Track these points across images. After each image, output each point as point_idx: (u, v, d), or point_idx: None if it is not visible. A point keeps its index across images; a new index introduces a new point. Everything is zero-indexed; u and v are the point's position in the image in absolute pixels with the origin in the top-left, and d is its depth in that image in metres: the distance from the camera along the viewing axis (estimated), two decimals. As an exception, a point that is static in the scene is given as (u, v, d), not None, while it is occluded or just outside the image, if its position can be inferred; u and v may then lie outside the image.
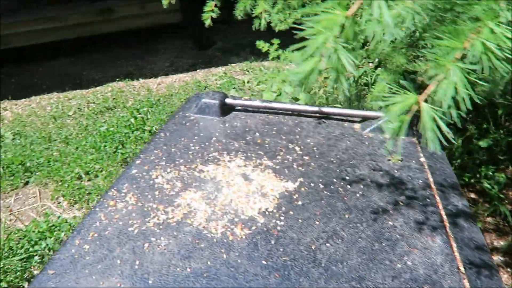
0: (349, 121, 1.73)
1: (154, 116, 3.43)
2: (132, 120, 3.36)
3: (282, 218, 1.15)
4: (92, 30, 4.79)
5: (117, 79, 4.37)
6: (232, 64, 4.64)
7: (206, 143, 1.55)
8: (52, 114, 3.68)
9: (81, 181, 2.76)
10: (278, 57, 3.65)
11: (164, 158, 1.45)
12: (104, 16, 4.76)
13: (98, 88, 4.22)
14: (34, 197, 2.65)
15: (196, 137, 1.59)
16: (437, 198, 1.23)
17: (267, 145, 1.53)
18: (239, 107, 1.85)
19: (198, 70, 4.59)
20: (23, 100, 4.02)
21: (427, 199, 1.22)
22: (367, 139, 1.56)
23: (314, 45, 0.66)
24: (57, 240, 2.15)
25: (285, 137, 1.58)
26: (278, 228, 1.11)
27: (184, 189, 1.29)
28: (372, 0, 0.64)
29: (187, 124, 1.71)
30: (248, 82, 4.14)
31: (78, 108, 3.77)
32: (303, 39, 0.68)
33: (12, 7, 4.75)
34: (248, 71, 4.44)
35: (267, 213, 1.17)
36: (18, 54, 4.93)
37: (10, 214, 2.50)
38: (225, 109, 1.82)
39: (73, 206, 2.52)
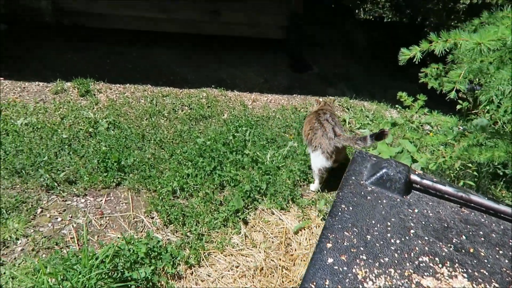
0: None
1: (254, 139, 3.17)
2: (231, 138, 3.11)
3: None
4: (196, 28, 4.65)
5: (212, 85, 4.17)
6: (330, 97, 4.34)
7: (406, 237, 1.24)
8: (146, 109, 3.51)
9: (176, 196, 2.52)
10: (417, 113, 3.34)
11: (361, 248, 1.15)
12: (211, 17, 4.60)
13: (192, 90, 4.04)
14: (126, 203, 2.43)
15: (388, 223, 1.28)
16: None
17: (486, 261, 1.19)
18: (421, 186, 1.53)
19: (294, 95, 4.32)
20: (118, 85, 3.89)
21: None
22: None
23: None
24: (155, 270, 1.90)
25: (502, 251, 1.24)
26: None
27: (412, 313, 0.97)
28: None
29: (368, 197, 1.40)
30: (349, 123, 3.82)
31: (173, 109, 3.58)
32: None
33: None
34: (348, 109, 4.12)
35: None
36: (112, 35, 4.86)
37: (100, 218, 2.28)
38: (408, 186, 1.51)
39: (166, 226, 2.28)
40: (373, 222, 1.28)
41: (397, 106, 4.47)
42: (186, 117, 3.46)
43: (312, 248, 2.21)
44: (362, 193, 1.43)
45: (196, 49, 5.06)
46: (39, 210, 2.25)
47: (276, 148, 3.12)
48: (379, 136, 2.28)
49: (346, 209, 1.32)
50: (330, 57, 5.76)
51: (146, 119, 3.38)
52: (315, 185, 2.71)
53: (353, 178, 1.52)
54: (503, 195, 3.11)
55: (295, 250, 2.22)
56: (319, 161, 2.54)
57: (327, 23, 6.76)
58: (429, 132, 4.06)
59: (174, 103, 3.69)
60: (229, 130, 3.26)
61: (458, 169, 2.67)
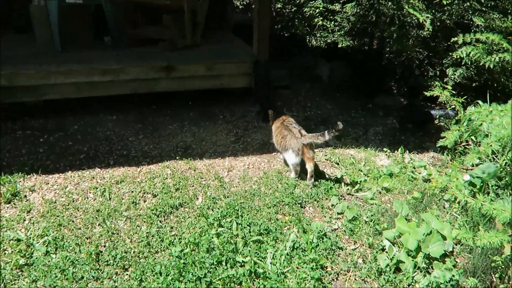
0: None
1: (244, 233, 2.49)
2: (215, 239, 2.42)
3: None
4: (148, 88, 3.96)
5: (177, 157, 3.46)
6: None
7: None
8: (97, 207, 2.72)
9: None
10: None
11: None
12: (165, 73, 3.94)
13: (152, 167, 3.30)
14: None
15: None
16: None
17: None
18: None
19: (273, 153, 3.72)
20: (56, 176, 3.07)
21: None
22: None
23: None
24: None
25: None
26: None
27: None
28: None
29: None
30: (344, 182, 3.26)
31: (133, 202, 2.81)
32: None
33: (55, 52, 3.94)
34: (337, 164, 3.58)
35: None
36: (46, 107, 4.02)
37: None
38: None
39: None
40: None
41: (385, 149, 4.02)
42: (151, 211, 2.71)
43: None
44: None
45: (151, 110, 4.34)
46: None
47: (274, 241, 2.47)
48: (335, 129, 2.88)
49: None
50: (297, 97, 5.27)
51: (98, 225, 2.59)
52: (292, 175, 3.25)
53: None
54: None
55: None
56: (291, 158, 3.11)
57: (283, 57, 6.37)
58: (424, 177, 3.56)
59: (133, 192, 2.93)
60: (210, 224, 2.56)
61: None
